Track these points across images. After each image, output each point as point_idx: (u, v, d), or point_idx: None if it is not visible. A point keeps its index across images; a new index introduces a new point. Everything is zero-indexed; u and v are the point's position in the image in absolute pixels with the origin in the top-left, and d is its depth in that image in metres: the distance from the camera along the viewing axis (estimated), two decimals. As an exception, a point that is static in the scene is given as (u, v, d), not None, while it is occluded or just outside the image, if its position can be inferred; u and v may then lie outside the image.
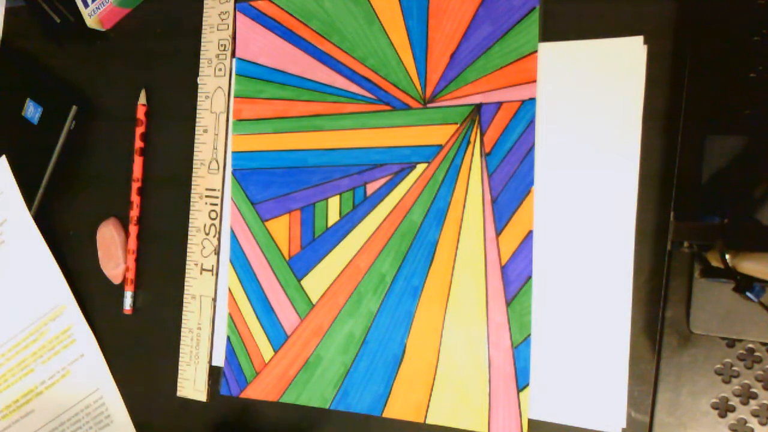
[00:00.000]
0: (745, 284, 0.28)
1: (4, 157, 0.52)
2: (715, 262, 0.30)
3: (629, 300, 0.36)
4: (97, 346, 0.50)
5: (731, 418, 0.32)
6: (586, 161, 0.37)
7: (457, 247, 0.39)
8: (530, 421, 0.37)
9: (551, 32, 0.38)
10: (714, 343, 0.32)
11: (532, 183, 0.38)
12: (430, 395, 0.39)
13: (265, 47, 0.45)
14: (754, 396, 0.31)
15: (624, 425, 0.35)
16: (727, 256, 0.28)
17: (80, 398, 0.50)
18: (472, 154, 0.39)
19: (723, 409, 0.32)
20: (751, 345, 0.32)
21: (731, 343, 0.32)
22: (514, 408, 0.37)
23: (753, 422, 0.31)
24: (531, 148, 0.38)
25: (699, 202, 0.32)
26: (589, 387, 0.36)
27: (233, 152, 0.46)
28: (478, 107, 0.39)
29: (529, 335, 0.38)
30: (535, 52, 0.38)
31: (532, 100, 0.38)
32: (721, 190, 0.32)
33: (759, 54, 0.32)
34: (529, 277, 0.38)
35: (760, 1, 0.32)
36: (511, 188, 0.38)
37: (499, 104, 0.39)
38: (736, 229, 0.28)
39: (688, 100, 0.33)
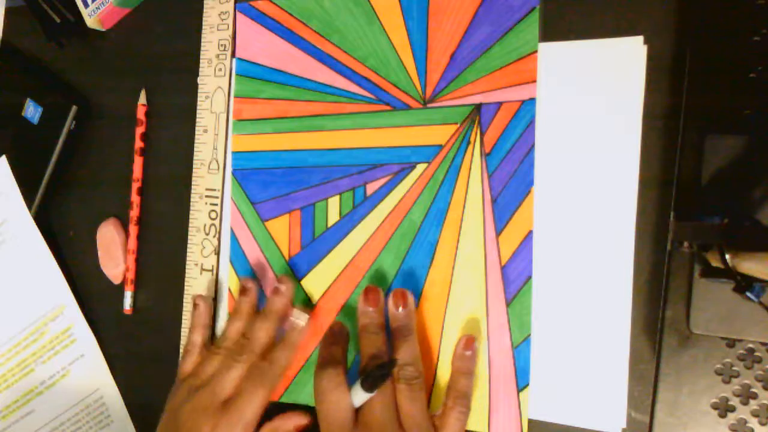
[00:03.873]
0: (745, 284, 0.28)
1: (4, 157, 0.52)
2: (715, 262, 0.30)
3: (629, 300, 0.36)
4: (97, 346, 0.50)
5: (731, 418, 0.32)
6: (586, 162, 0.37)
7: (457, 248, 0.39)
8: (530, 421, 0.37)
9: (551, 32, 0.38)
10: (714, 343, 0.32)
11: (532, 183, 0.38)
12: (430, 395, 0.39)
13: (265, 47, 0.45)
14: (754, 396, 0.31)
15: (624, 425, 0.35)
16: (727, 256, 0.28)
17: (80, 398, 0.50)
18: (472, 154, 0.39)
19: (723, 409, 0.32)
20: (751, 345, 0.32)
21: (731, 343, 0.32)
22: (514, 408, 0.37)
23: (753, 422, 0.31)
24: (531, 149, 0.38)
25: (699, 202, 0.32)
26: (589, 387, 0.36)
27: (233, 152, 0.46)
28: (478, 107, 0.39)
29: (529, 335, 0.38)
30: (535, 52, 0.38)
31: (532, 100, 0.38)
32: (721, 190, 0.32)
33: (759, 54, 0.32)
34: (529, 277, 0.38)
35: (760, 1, 0.32)
36: (511, 188, 0.38)
37: (499, 104, 0.39)
38: (736, 229, 0.28)
39: (688, 100, 0.33)
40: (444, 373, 0.39)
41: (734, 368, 0.32)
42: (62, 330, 0.51)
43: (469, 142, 0.39)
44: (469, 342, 0.38)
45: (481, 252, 0.39)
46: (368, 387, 0.35)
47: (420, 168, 0.41)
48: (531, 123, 0.38)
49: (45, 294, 0.51)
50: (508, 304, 0.38)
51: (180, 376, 0.43)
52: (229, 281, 0.46)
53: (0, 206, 0.51)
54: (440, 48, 0.40)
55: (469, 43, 0.40)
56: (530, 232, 0.38)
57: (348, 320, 0.42)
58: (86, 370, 0.50)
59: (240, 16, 0.46)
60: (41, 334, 0.51)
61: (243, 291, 0.43)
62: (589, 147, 0.37)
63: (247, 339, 0.41)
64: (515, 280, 0.38)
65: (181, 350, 0.47)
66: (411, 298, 0.39)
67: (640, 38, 0.36)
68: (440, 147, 0.40)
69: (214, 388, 0.40)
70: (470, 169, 0.39)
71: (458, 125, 0.40)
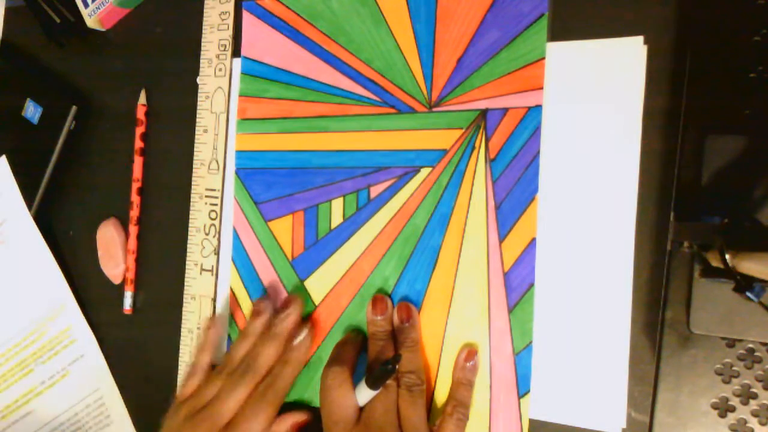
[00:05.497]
0: (745, 284, 0.28)
1: (4, 157, 0.52)
2: (715, 262, 0.30)
3: (629, 300, 0.36)
4: (97, 346, 0.50)
5: (731, 418, 0.32)
6: (587, 163, 0.37)
7: (460, 253, 0.39)
8: (530, 421, 0.37)
9: (551, 32, 0.38)
10: (714, 343, 0.32)
11: (536, 191, 0.38)
12: (431, 400, 0.39)
13: (271, 46, 0.45)
14: (754, 396, 0.31)
15: (624, 425, 0.35)
16: (727, 256, 0.28)
17: (80, 398, 0.50)
18: (477, 160, 0.39)
19: (723, 409, 0.32)
20: (751, 345, 0.32)
21: (731, 343, 0.32)
22: (514, 415, 0.37)
23: (753, 422, 0.31)
24: (536, 156, 0.38)
25: (699, 202, 0.32)
26: (589, 387, 0.36)
27: (237, 151, 0.46)
28: (484, 113, 0.39)
29: (531, 342, 0.37)
30: (543, 58, 0.38)
31: (539, 107, 0.38)
32: (721, 190, 0.32)
33: (759, 54, 0.32)
34: (532, 285, 0.38)
35: (760, 1, 0.32)
36: (515, 195, 0.38)
37: (505, 110, 0.39)
38: (736, 229, 0.29)
39: (688, 100, 0.33)
40: (444, 382, 0.39)
41: (734, 368, 0.32)
42: (62, 330, 0.51)
43: (474, 148, 0.39)
44: (471, 354, 0.38)
45: (484, 258, 0.39)
46: (372, 383, 0.35)
47: (424, 172, 0.41)
48: (537, 130, 0.38)
49: (45, 294, 0.51)
50: (510, 310, 0.38)
51: (179, 399, 0.42)
52: (231, 281, 0.46)
53: (0, 206, 0.51)
54: (447, 52, 0.40)
55: (477, 47, 0.39)
56: (533, 240, 0.38)
57: (349, 322, 0.42)
58: (86, 370, 0.50)
59: (246, 15, 0.46)
60: (41, 334, 0.51)
61: (256, 313, 0.42)
62: (589, 148, 0.37)
63: (252, 359, 0.40)
64: (518, 287, 0.38)
65: (181, 349, 0.47)
66: (415, 312, 0.40)
67: (640, 38, 0.36)
68: (445, 151, 0.40)
69: (217, 410, 0.38)
70: (474, 174, 0.39)
71: (463, 130, 0.40)
